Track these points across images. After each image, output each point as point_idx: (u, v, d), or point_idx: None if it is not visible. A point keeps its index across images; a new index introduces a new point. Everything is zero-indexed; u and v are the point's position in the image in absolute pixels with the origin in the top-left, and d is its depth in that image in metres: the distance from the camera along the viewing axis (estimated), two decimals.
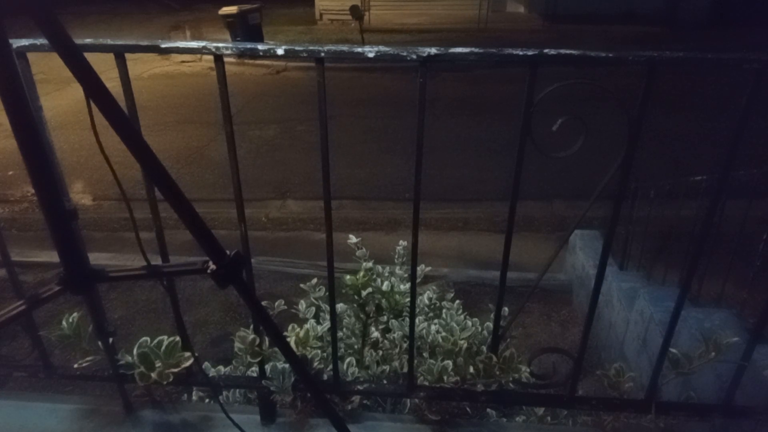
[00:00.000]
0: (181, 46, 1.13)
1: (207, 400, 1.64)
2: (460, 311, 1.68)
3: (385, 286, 1.64)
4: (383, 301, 1.64)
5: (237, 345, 1.40)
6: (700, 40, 11.69)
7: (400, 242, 1.84)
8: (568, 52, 1.06)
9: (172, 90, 9.14)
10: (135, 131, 0.84)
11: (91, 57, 0.79)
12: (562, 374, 1.41)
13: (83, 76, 0.74)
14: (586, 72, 6.43)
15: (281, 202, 5.34)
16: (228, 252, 0.92)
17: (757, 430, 1.37)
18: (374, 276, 1.68)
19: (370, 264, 1.68)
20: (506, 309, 1.47)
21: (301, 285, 1.73)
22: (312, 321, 1.52)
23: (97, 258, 3.64)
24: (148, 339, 1.36)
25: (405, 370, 1.46)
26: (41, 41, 1.07)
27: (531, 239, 4.45)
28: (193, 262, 0.94)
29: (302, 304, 1.63)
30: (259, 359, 1.40)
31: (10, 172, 5.63)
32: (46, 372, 1.46)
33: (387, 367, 1.60)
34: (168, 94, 8.82)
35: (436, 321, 1.63)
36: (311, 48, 1.09)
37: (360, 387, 1.45)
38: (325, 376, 1.47)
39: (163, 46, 1.12)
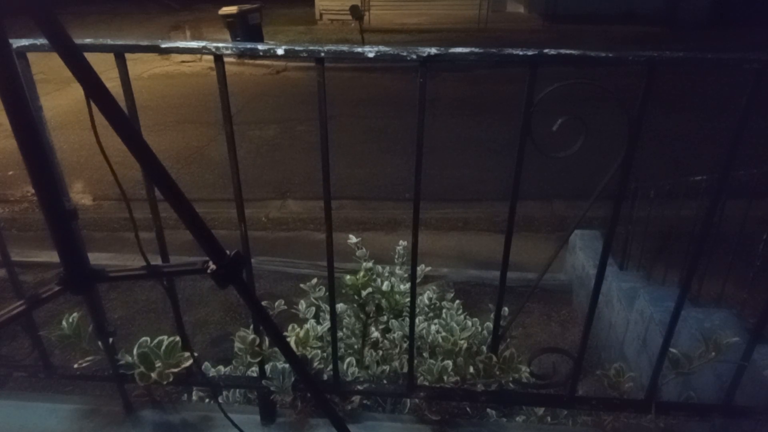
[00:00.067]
0: (181, 46, 1.13)
1: (207, 400, 1.64)
2: (460, 311, 1.68)
3: (385, 286, 1.64)
4: (383, 301, 1.64)
5: (237, 345, 1.40)
6: (700, 40, 11.69)
7: (400, 242, 1.84)
8: (568, 52, 1.06)
9: (172, 90, 9.14)
10: (135, 131, 0.84)
11: (91, 57, 0.79)
12: (562, 374, 1.41)
13: (83, 76, 0.74)
14: (586, 72, 6.43)
15: (281, 202, 5.34)
16: (228, 252, 0.92)
17: (757, 430, 1.37)
18: (374, 276, 1.68)
19: (370, 264, 1.68)
20: (506, 309, 1.47)
21: (301, 285, 1.73)
22: (312, 321, 1.52)
23: (97, 258, 3.64)
24: (148, 339, 1.36)
25: (405, 370, 1.46)
26: (41, 41, 1.07)
27: (531, 239, 4.45)
28: (193, 262, 0.94)
29: (302, 304, 1.63)
30: (259, 359, 1.40)
31: (10, 172, 5.63)
32: (46, 372, 1.46)
33: (387, 367, 1.60)
34: (168, 94, 8.82)
35: (436, 321, 1.63)
36: (311, 48, 1.09)
37: (360, 387, 1.45)
38: (325, 376, 1.47)
39: (163, 46, 1.12)
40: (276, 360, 1.41)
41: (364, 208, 5.14)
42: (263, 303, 1.30)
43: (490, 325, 1.51)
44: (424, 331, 1.59)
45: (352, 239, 1.69)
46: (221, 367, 1.59)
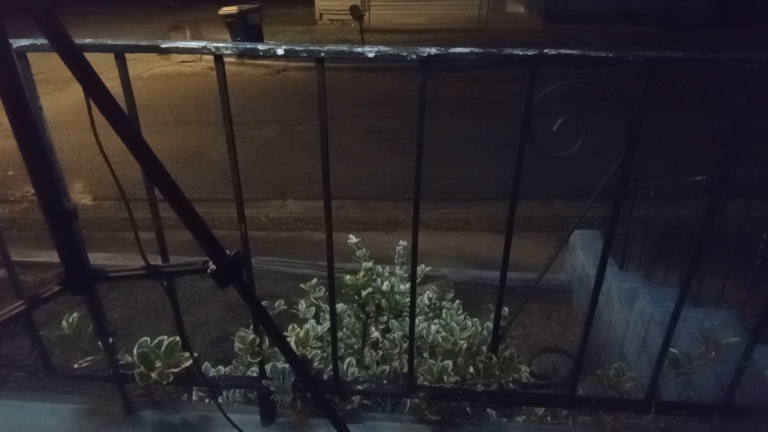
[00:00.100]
0: (181, 46, 1.13)
1: (207, 401, 1.64)
2: (460, 311, 1.68)
3: (385, 286, 1.64)
4: (383, 301, 1.64)
5: (237, 345, 1.40)
6: (700, 40, 11.69)
7: (400, 242, 1.84)
8: (568, 52, 1.06)
9: (172, 90, 9.14)
10: (135, 131, 0.84)
11: (91, 57, 0.79)
12: (562, 374, 1.41)
13: (83, 76, 0.74)
14: (586, 72, 6.43)
15: (281, 202, 5.34)
16: (228, 252, 0.92)
17: (757, 430, 1.37)
18: (374, 276, 1.68)
19: (370, 264, 1.68)
20: (506, 309, 1.47)
21: (301, 285, 1.73)
22: (312, 321, 1.52)
23: (97, 258, 3.64)
24: (148, 339, 1.36)
25: (405, 370, 1.46)
26: (41, 41, 1.07)
27: (531, 239, 4.45)
28: (193, 262, 0.94)
29: (302, 304, 1.63)
30: (259, 359, 1.40)
31: (10, 172, 5.63)
32: (46, 372, 1.46)
33: (387, 367, 1.60)
34: (168, 94, 8.81)
35: (436, 321, 1.63)
36: (311, 48, 1.09)
37: (360, 387, 1.45)
38: (325, 376, 1.47)
39: (163, 46, 1.12)
40: (276, 360, 1.41)
41: (364, 208, 5.14)
42: (263, 303, 1.30)
43: (490, 325, 1.51)
44: (424, 331, 1.59)
45: (352, 239, 1.69)
46: (221, 367, 1.59)
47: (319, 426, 1.43)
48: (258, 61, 10.24)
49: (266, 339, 1.39)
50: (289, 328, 1.46)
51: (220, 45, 1.10)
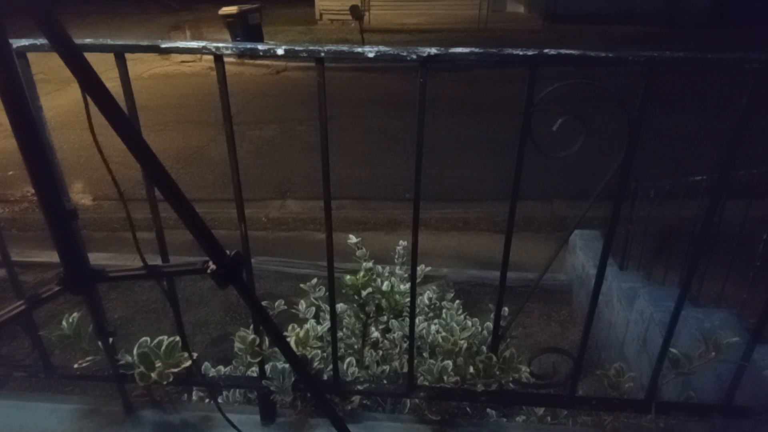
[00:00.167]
0: (181, 46, 1.13)
1: (207, 401, 1.64)
2: (460, 311, 1.68)
3: (385, 286, 1.64)
4: (383, 301, 1.64)
5: (237, 345, 1.40)
6: (700, 40, 11.69)
7: (400, 242, 1.84)
8: (568, 52, 1.06)
9: (172, 90, 9.13)
10: (135, 131, 0.84)
11: (91, 57, 0.79)
12: (562, 374, 1.41)
13: (83, 76, 0.74)
14: (586, 72, 6.43)
15: (281, 202, 5.34)
16: (228, 252, 0.92)
17: (757, 430, 1.37)
18: (374, 276, 1.68)
19: (370, 264, 1.68)
20: (506, 309, 1.47)
21: (301, 285, 1.73)
22: (312, 321, 1.52)
23: (97, 258, 3.64)
24: (148, 339, 1.36)
25: (405, 370, 1.46)
26: (41, 41, 1.07)
27: (531, 239, 4.45)
28: (193, 262, 0.94)
29: (302, 304, 1.63)
30: (259, 359, 1.40)
31: (10, 172, 5.63)
32: (46, 372, 1.46)
33: (387, 367, 1.60)
34: (168, 94, 8.81)
35: (436, 321, 1.63)
36: (311, 48, 1.09)
37: (360, 387, 1.45)
38: (325, 376, 1.47)
39: (163, 46, 1.12)
40: (276, 360, 1.41)
41: (364, 208, 5.14)
42: (263, 303, 1.30)
43: (490, 325, 1.51)
44: (424, 331, 1.59)
45: (352, 239, 1.69)
46: (221, 367, 1.59)
47: (319, 426, 1.43)
48: (258, 61, 10.24)
49: (266, 339, 1.39)
50: (289, 328, 1.46)
51: (220, 45, 1.10)
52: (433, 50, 1.06)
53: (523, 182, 1.19)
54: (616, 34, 12.38)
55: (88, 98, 0.76)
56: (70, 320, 1.36)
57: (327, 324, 1.47)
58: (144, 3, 19.01)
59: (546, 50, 1.06)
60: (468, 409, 1.55)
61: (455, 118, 7.21)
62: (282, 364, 1.38)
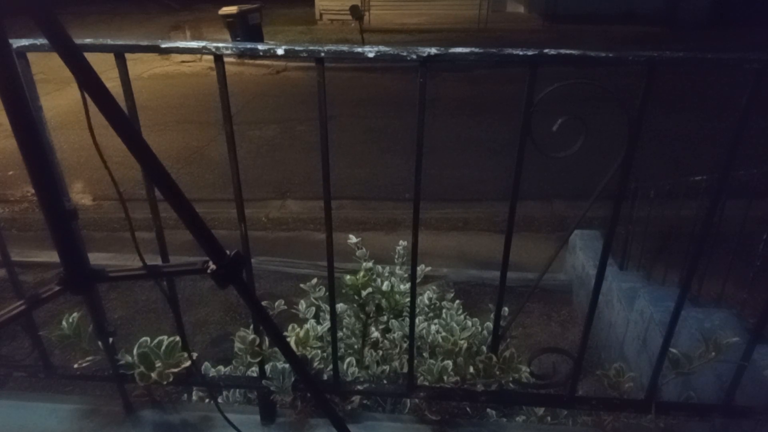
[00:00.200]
0: (181, 46, 1.13)
1: (207, 401, 1.64)
2: (460, 311, 1.68)
3: (385, 286, 1.64)
4: (383, 301, 1.64)
5: (237, 345, 1.40)
6: (700, 40, 11.69)
7: (400, 242, 1.84)
8: (568, 52, 1.06)
9: (172, 90, 9.13)
10: (135, 131, 0.84)
11: (91, 57, 0.79)
12: (562, 374, 1.41)
13: (83, 76, 0.74)
14: (586, 72, 6.42)
15: (281, 202, 5.34)
16: (228, 252, 0.92)
17: (757, 430, 1.37)
18: (374, 276, 1.68)
19: (370, 264, 1.68)
20: (506, 309, 1.47)
21: (301, 285, 1.73)
22: (312, 321, 1.52)
23: (97, 258, 3.64)
24: (148, 339, 1.36)
25: (405, 370, 1.46)
26: (41, 41, 1.07)
27: (531, 239, 4.45)
28: (193, 262, 0.94)
29: (302, 304, 1.63)
30: (259, 359, 1.40)
31: (10, 172, 5.63)
32: (46, 372, 1.46)
33: (387, 367, 1.60)
34: (168, 94, 8.81)
35: (436, 321, 1.63)
36: (311, 48, 1.09)
37: (360, 387, 1.45)
38: (325, 376, 1.47)
39: (163, 46, 1.12)
40: (276, 360, 1.41)
41: (364, 208, 5.14)
42: (263, 303, 1.30)
43: (490, 325, 1.51)
44: (424, 331, 1.59)
45: (352, 239, 1.69)
46: (221, 367, 1.59)
47: (319, 426, 1.43)
48: (258, 61, 10.24)
49: (266, 339, 1.39)
50: (289, 328, 1.46)
51: (220, 45, 1.10)
52: (433, 50, 1.06)
53: (523, 182, 1.19)
54: (616, 34, 12.38)
55: (88, 98, 0.76)
56: (70, 320, 1.36)
57: (327, 324, 1.47)
58: (144, 3, 19.01)
59: (546, 50, 1.06)
60: (468, 409, 1.55)
61: (455, 118, 7.21)
62: (282, 364, 1.38)
